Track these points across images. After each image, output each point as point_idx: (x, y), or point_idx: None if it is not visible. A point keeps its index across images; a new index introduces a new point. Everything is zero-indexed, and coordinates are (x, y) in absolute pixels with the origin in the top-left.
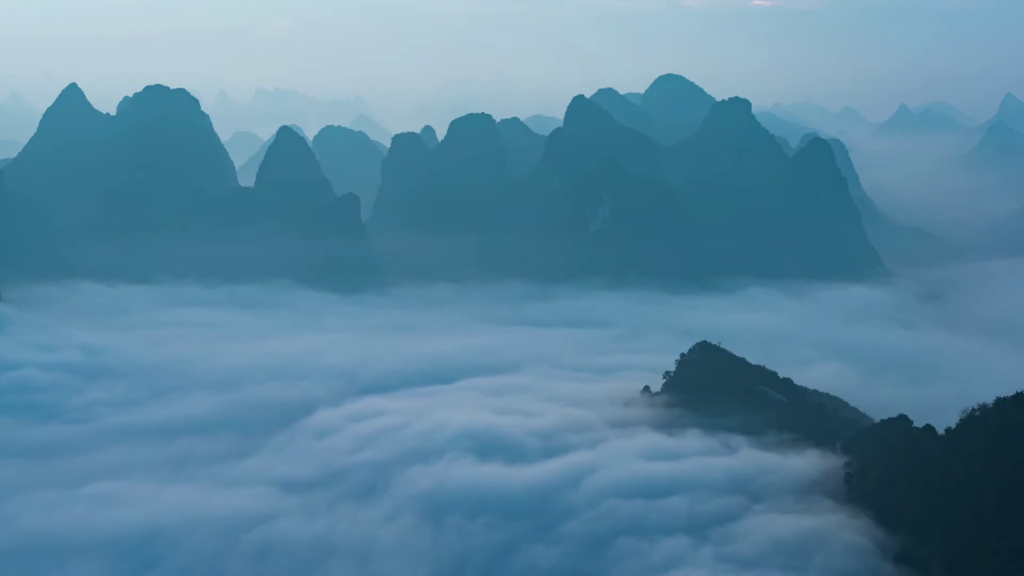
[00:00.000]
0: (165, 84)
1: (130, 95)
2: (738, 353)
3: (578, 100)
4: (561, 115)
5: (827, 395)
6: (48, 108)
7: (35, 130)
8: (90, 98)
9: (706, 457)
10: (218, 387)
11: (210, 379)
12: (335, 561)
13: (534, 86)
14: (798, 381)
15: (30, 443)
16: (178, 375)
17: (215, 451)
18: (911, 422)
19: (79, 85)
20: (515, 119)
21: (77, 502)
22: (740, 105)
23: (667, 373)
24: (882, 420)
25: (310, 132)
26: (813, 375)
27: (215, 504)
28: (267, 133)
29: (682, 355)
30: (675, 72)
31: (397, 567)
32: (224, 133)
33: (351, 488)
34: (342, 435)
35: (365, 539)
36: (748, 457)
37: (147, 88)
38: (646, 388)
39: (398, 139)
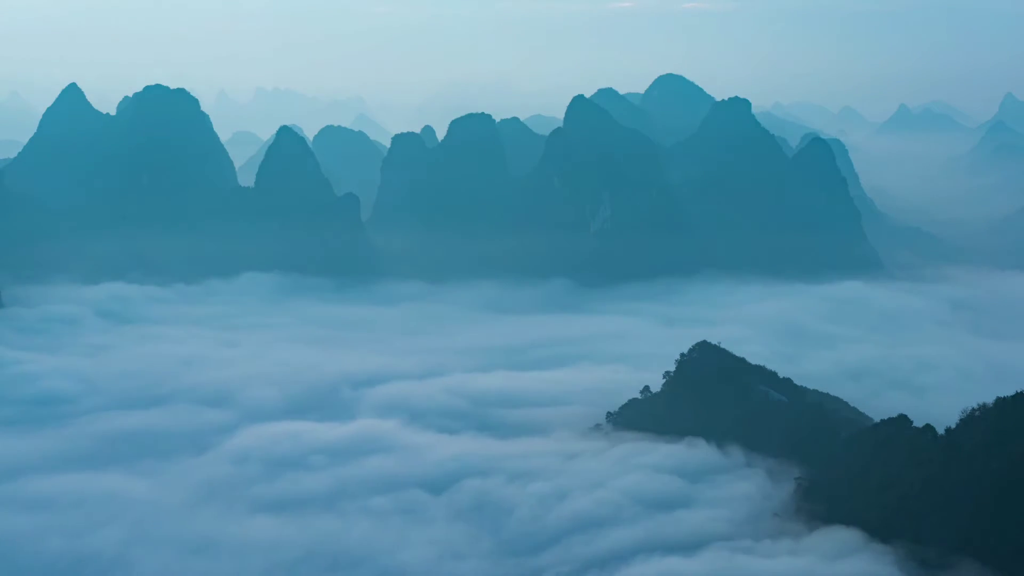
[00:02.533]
0: (165, 84)
1: (130, 95)
2: (739, 352)
3: (578, 100)
4: (561, 115)
5: (827, 395)
6: (48, 108)
7: (35, 130)
8: (90, 98)
9: (704, 461)
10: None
11: (215, 383)
12: None
13: (534, 86)
14: (797, 380)
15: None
16: (182, 378)
17: None
18: (911, 422)
19: (79, 85)
20: (515, 119)
21: None
22: (740, 105)
23: (667, 373)
24: (882, 420)
25: (310, 132)
26: (813, 374)
27: None
28: (267, 133)
29: (682, 355)
30: (675, 72)
31: None
32: (224, 133)
33: None
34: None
35: None
36: (745, 461)
37: (147, 88)
38: (646, 388)
39: (398, 139)
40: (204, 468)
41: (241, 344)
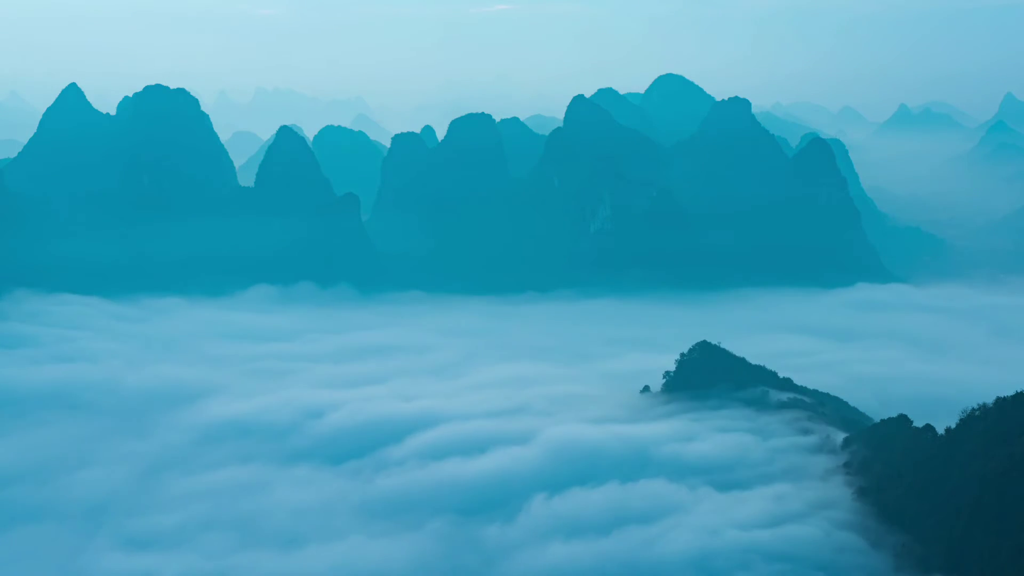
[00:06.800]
0: (165, 84)
1: (130, 95)
2: (738, 352)
3: (578, 100)
4: (561, 115)
5: (827, 395)
6: (48, 108)
7: (35, 130)
8: (90, 98)
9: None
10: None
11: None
12: None
13: (534, 86)
14: (798, 381)
15: None
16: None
17: None
18: (911, 422)
19: (79, 85)
20: (515, 119)
21: None
22: (740, 105)
23: (667, 373)
24: (882, 420)
25: (310, 132)
26: (813, 374)
27: None
28: (267, 133)
29: (682, 355)
30: (675, 72)
31: None
32: (224, 133)
33: None
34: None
35: None
36: (744, 460)
37: (147, 88)
38: (646, 388)
39: (398, 139)
40: None
41: (245, 344)
